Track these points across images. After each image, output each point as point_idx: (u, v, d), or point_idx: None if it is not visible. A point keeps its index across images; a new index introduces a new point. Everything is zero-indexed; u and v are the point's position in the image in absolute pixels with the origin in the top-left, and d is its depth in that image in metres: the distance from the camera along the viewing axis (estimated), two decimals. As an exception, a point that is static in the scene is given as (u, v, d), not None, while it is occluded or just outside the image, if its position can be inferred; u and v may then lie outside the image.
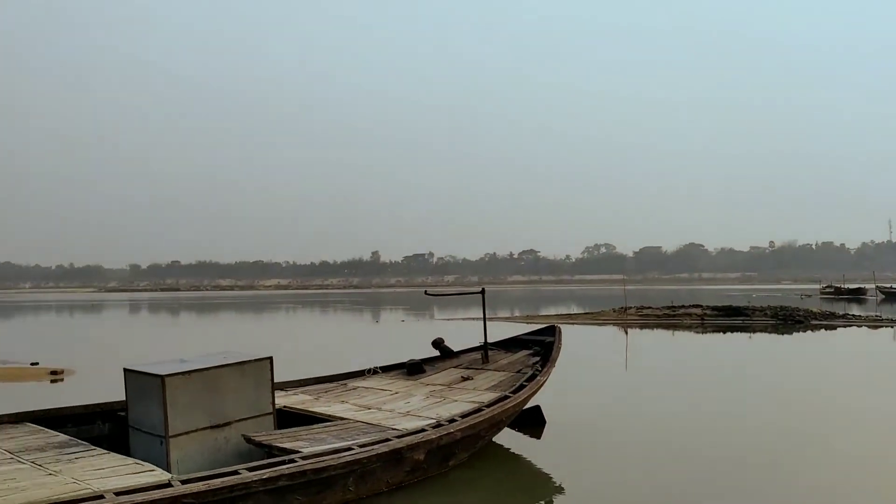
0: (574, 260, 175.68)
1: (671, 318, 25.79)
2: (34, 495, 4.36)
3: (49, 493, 4.43)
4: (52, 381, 13.25)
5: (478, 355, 8.95)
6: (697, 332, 21.78)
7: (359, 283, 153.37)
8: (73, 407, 6.88)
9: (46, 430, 6.25)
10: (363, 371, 8.83)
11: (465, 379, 8.05)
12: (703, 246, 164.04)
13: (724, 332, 21.57)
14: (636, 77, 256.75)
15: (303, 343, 20.50)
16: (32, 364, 15.18)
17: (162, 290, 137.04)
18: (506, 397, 6.97)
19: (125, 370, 6.25)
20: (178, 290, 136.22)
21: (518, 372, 8.07)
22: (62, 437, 6.02)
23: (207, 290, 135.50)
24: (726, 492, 5.89)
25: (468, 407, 6.74)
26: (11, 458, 5.29)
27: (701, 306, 27.24)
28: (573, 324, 24.83)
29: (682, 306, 27.67)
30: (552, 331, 8.93)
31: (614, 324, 25.21)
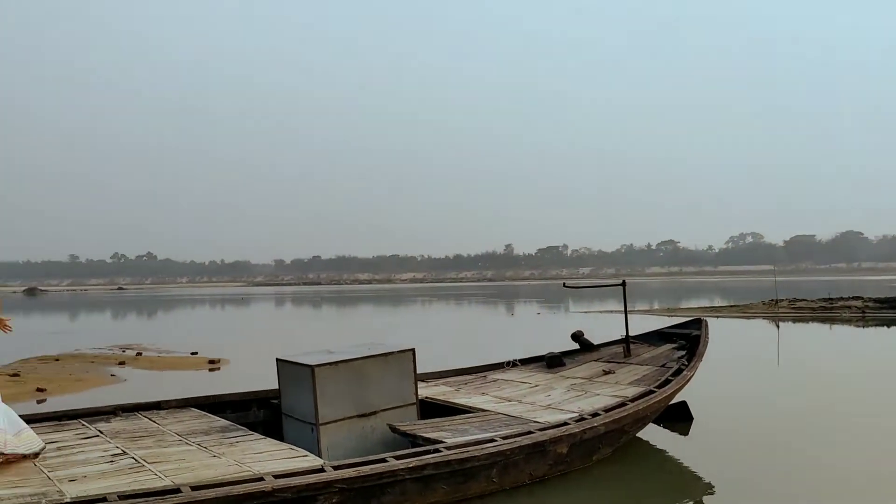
0: (717, 250, 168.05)
1: (828, 311, 24.17)
2: (202, 475, 4.67)
3: (215, 473, 4.72)
4: (210, 370, 14.15)
5: (619, 349, 8.75)
6: (858, 327, 20.29)
7: (492, 276, 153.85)
8: (231, 394, 7.31)
9: (209, 415, 6.68)
10: (502, 363, 8.85)
11: (606, 373, 7.89)
12: (861, 234, 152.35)
13: (889, 326, 19.97)
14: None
15: (439, 335, 20.81)
16: (192, 354, 16.32)
17: (304, 283, 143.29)
18: (651, 392, 6.76)
19: (278, 360, 6.57)
20: (319, 283, 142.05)
21: (662, 366, 7.82)
22: (223, 421, 6.41)
23: (347, 283, 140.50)
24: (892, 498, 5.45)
25: (611, 401, 6.59)
26: (181, 440, 5.69)
27: (861, 298, 25.34)
28: (718, 317, 23.78)
29: (841, 298, 25.86)
30: (698, 323, 8.58)
31: (764, 317, 23.93)
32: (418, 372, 6.72)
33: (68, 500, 4.07)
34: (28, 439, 5.12)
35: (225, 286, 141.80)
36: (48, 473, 4.75)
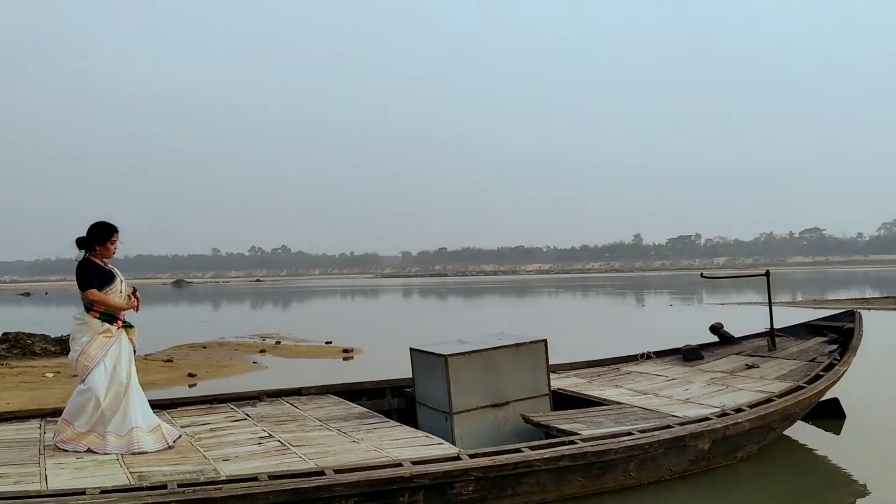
0: (868, 238, 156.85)
1: None
2: (343, 459, 4.83)
3: (356, 458, 4.87)
4: (345, 359, 14.63)
5: (762, 342, 8.31)
6: None
7: (620, 267, 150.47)
8: (366, 382, 7.52)
9: (346, 401, 6.90)
10: (636, 356, 8.62)
11: (749, 367, 7.52)
12: None
13: None
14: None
15: (568, 326, 20.57)
16: (327, 343, 16.93)
17: (431, 275, 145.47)
18: (800, 388, 6.38)
19: (411, 350, 6.69)
20: (445, 275, 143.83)
21: (812, 361, 7.36)
22: (360, 408, 6.60)
23: (472, 274, 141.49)
24: None
25: (756, 396, 6.28)
26: (321, 426, 5.91)
27: None
28: (870, 309, 22.17)
29: None
30: (851, 315, 8.02)
31: (922, 309, 22.11)
32: (550, 363, 6.65)
33: (223, 477, 4.30)
34: (157, 438, 5.25)
35: (354, 278, 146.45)
36: (204, 453, 5.06)
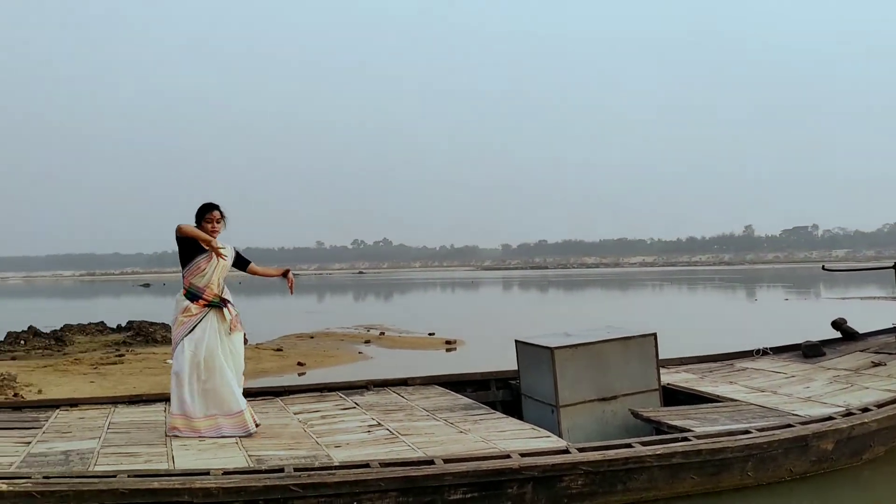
0: None
1: None
2: (451, 449, 4.86)
3: (463, 448, 4.89)
4: (447, 350, 14.76)
5: (890, 338, 7.82)
6: None
7: (730, 260, 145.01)
8: (471, 374, 7.54)
9: (452, 392, 6.94)
10: (750, 351, 8.29)
11: (875, 364, 7.09)
12: None
13: None
14: None
15: (675, 320, 19.99)
16: (430, 335, 17.11)
17: (531, 267, 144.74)
18: (934, 388, 5.97)
19: (516, 342, 6.66)
20: (545, 267, 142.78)
21: (948, 359, 6.87)
22: (466, 399, 6.63)
23: (573, 267, 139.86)
24: None
25: (883, 396, 5.91)
26: (428, 416, 5.97)
27: None
28: None
29: None
30: None
31: None
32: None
33: (336, 463, 4.42)
34: (236, 423, 5.28)
35: (454, 270, 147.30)
36: (316, 439, 5.20)
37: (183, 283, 5.45)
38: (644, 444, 4.80)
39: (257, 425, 5.40)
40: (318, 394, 6.91)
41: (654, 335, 6.31)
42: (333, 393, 6.95)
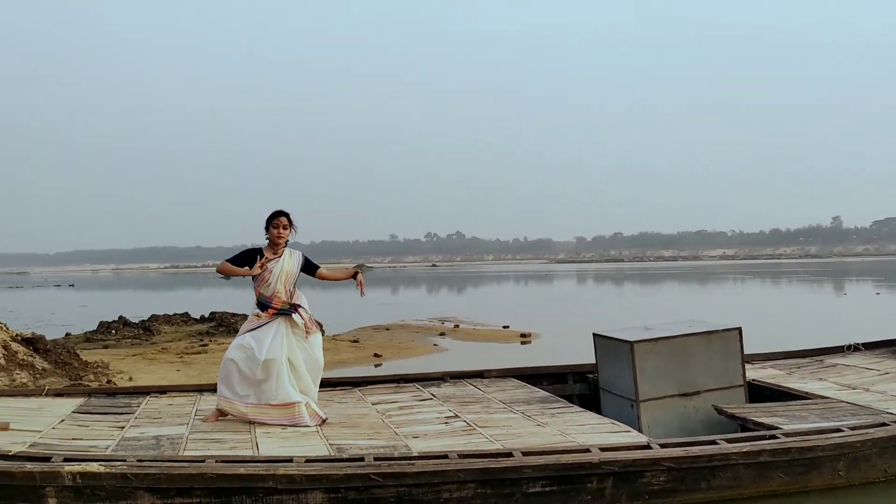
0: None
1: None
2: (529, 442, 4.83)
3: (542, 441, 4.86)
4: (522, 343, 14.70)
5: None
6: None
7: (817, 252, 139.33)
8: (547, 367, 7.48)
9: (528, 385, 6.90)
10: (841, 347, 7.95)
11: (978, 362, 6.70)
12: None
13: None
14: None
15: (759, 315, 19.36)
16: (504, 327, 17.08)
17: (606, 260, 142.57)
18: None
19: (594, 335, 6.57)
20: (621, 260, 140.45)
21: None
22: (542, 392, 6.58)
23: (650, 260, 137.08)
24: None
25: None
26: (505, 408, 5.95)
27: None
28: None
29: None
30: None
31: None
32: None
33: (415, 454, 4.45)
34: (284, 416, 5.37)
35: (528, 263, 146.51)
36: (395, 429, 5.26)
37: (255, 295, 5.65)
38: (729, 441, 4.67)
39: (324, 421, 5.42)
40: (396, 385, 6.97)
41: (739, 329, 6.13)
42: (410, 384, 7.00)
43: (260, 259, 5.61)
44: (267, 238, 5.68)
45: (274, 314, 5.53)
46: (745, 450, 4.54)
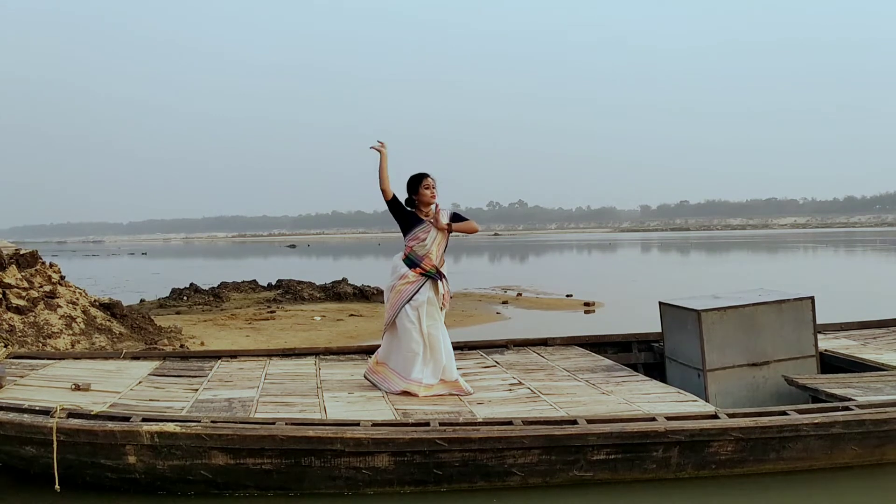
0: None
1: None
2: (594, 410, 4.82)
3: (606, 409, 4.84)
4: (586, 312, 14.60)
5: None
6: None
7: (894, 220, 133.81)
8: (612, 335, 7.41)
9: (592, 353, 6.86)
10: (920, 317, 7.64)
11: None
12: None
13: None
14: None
15: (831, 284, 18.73)
16: (567, 296, 16.98)
17: (671, 229, 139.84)
18: None
19: (660, 304, 6.47)
20: (687, 229, 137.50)
21: None
22: (607, 361, 6.53)
23: (717, 229, 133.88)
24: None
25: None
26: (569, 376, 5.94)
27: None
28: None
29: None
30: None
31: None
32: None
33: (480, 419, 4.49)
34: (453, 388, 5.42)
35: (591, 232, 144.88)
36: (459, 396, 5.30)
37: (404, 250, 5.59)
38: (800, 412, 4.57)
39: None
40: (459, 352, 6.98)
41: (812, 299, 5.94)
42: (474, 351, 7.04)
43: (415, 226, 5.52)
44: (415, 199, 5.58)
45: (421, 274, 5.47)
46: (816, 421, 4.44)
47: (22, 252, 10.05)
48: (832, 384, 5.27)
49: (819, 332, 6.32)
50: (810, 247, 46.24)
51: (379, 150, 5.55)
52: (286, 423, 4.22)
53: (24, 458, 4.26)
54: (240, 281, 19.50)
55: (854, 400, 4.78)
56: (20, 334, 8.48)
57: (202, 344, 10.18)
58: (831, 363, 6.25)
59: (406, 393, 5.30)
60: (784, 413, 4.55)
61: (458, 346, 7.16)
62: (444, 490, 4.29)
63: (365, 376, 5.68)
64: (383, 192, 5.55)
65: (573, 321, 13.08)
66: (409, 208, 5.61)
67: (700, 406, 4.95)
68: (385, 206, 5.70)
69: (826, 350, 6.42)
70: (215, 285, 18.64)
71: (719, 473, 4.46)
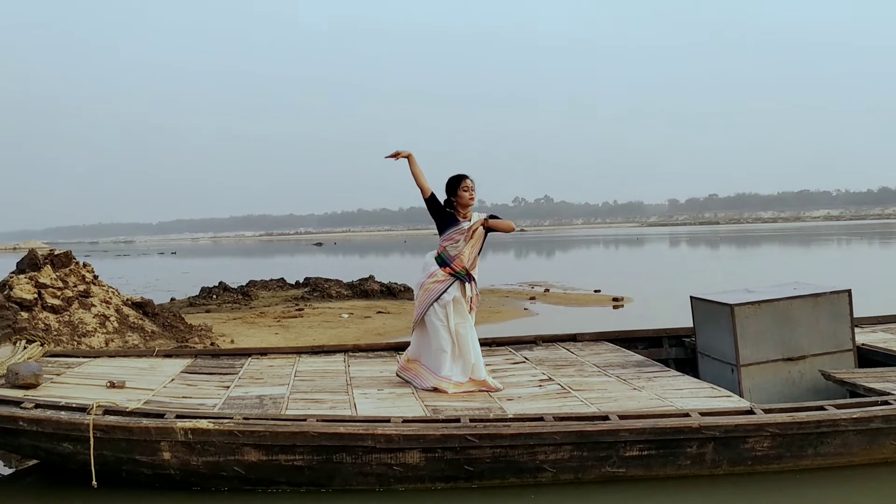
0: None
1: None
2: (625, 406, 4.77)
3: (638, 405, 4.79)
4: (614, 307, 14.48)
5: None
6: None
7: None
8: (642, 331, 7.34)
9: (622, 349, 6.80)
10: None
11: None
12: None
13: None
14: None
15: (867, 277, 18.41)
16: (595, 291, 16.86)
17: (700, 223, 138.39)
18: None
19: (692, 298, 6.39)
20: (716, 223, 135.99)
21: None
22: (637, 356, 6.47)
23: (748, 222, 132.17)
24: None
25: None
26: (599, 371, 5.89)
27: None
28: None
29: None
30: None
31: None
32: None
33: (510, 416, 4.47)
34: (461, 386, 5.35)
35: (618, 227, 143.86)
36: (489, 392, 5.28)
37: (438, 248, 5.57)
38: (838, 406, 4.48)
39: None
40: (488, 348, 6.98)
41: (848, 292, 5.83)
42: (503, 347, 7.01)
43: (450, 226, 5.50)
44: (453, 201, 5.54)
45: (450, 274, 5.44)
46: (855, 416, 4.36)
47: (56, 252, 10.20)
48: (870, 378, 5.18)
49: (856, 326, 6.20)
50: (844, 239, 45.48)
51: (396, 158, 5.51)
52: (317, 420, 4.23)
53: (62, 455, 4.32)
54: (268, 279, 19.63)
55: (893, 394, 4.69)
56: (56, 333, 8.61)
57: (232, 342, 10.26)
58: (869, 357, 6.13)
59: (436, 389, 5.29)
60: (822, 408, 4.47)
61: (486, 343, 7.16)
62: (475, 486, 4.28)
63: (397, 374, 5.69)
64: (421, 190, 5.55)
65: (602, 317, 12.97)
66: (447, 209, 5.58)
67: (735, 401, 4.88)
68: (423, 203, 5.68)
69: (863, 344, 6.30)
70: (244, 284, 18.78)
71: (755, 470, 4.40)
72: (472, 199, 5.52)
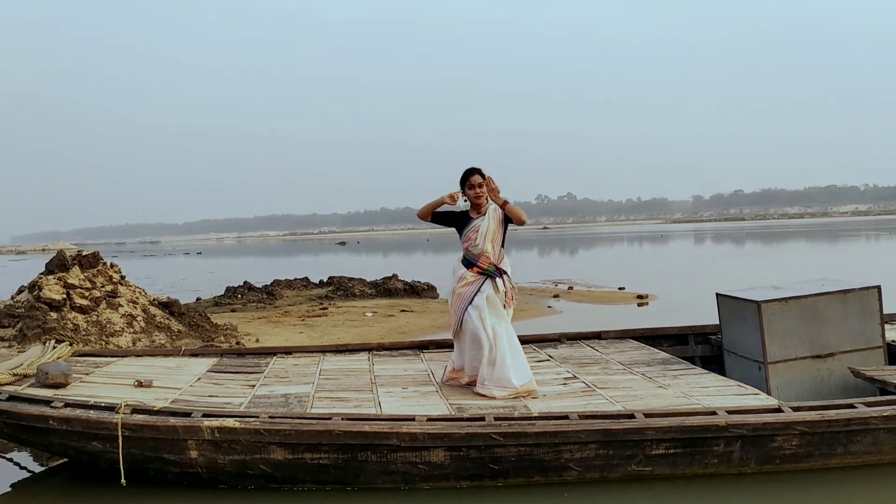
0: None
1: None
2: (651, 404, 4.73)
3: (664, 403, 4.75)
4: (639, 305, 14.39)
5: None
6: None
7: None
8: (667, 328, 7.27)
9: (648, 346, 6.75)
10: None
11: None
12: None
13: None
14: None
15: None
16: (619, 289, 16.76)
17: (725, 219, 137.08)
18: None
19: (718, 295, 6.32)
20: (742, 219, 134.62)
21: None
22: (663, 354, 6.42)
23: (773, 218, 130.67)
24: None
25: None
26: (625, 369, 5.85)
27: None
28: None
29: None
30: None
31: None
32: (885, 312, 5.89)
33: (535, 414, 4.45)
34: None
35: (642, 224, 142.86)
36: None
37: (462, 251, 5.50)
38: (868, 404, 4.42)
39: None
40: None
41: (878, 288, 5.73)
42: (527, 345, 6.96)
43: (466, 221, 5.40)
44: (465, 199, 5.42)
45: (479, 273, 5.34)
46: (885, 414, 4.29)
47: (84, 253, 10.34)
48: (901, 376, 5.08)
49: (886, 322, 6.10)
50: (873, 235, 44.79)
51: (445, 202, 5.35)
52: (342, 419, 4.24)
53: (91, 453, 4.38)
54: (292, 278, 19.75)
55: (925, 392, 4.61)
56: (84, 333, 8.73)
57: (257, 341, 10.33)
58: (900, 354, 6.03)
59: (482, 395, 5.15)
60: (851, 406, 4.41)
61: (510, 341, 7.13)
62: (500, 485, 4.27)
63: (444, 383, 5.53)
64: (421, 218, 5.44)
65: (626, 314, 12.89)
66: (458, 210, 5.50)
67: (762, 399, 4.82)
68: None
69: (893, 341, 6.20)
70: (268, 283, 18.91)
71: (784, 468, 4.35)
72: (476, 198, 5.35)
